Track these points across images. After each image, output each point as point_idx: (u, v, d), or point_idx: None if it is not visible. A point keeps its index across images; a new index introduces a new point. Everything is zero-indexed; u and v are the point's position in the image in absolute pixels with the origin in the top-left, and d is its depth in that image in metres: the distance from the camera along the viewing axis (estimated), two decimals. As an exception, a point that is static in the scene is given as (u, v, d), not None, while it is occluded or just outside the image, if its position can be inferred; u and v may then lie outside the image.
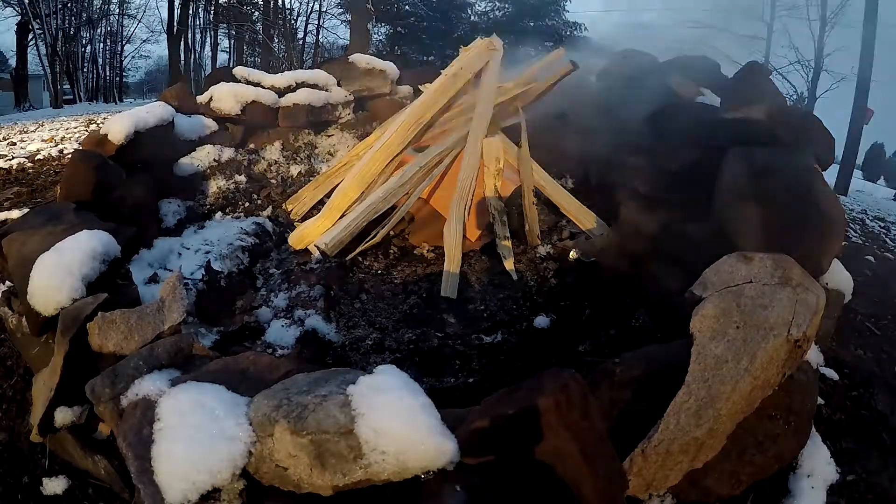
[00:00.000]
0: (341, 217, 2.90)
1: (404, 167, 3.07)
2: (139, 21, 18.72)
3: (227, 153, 3.51)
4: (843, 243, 3.53)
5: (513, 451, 1.30)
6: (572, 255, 2.66)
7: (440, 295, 2.47)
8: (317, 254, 2.67)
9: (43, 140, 5.09)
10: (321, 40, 18.70)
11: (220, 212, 3.14)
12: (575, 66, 3.49)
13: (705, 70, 3.14)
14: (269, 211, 3.21)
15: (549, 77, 3.65)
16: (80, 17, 16.79)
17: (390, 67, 4.40)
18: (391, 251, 2.91)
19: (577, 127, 3.41)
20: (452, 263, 2.53)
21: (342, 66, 4.30)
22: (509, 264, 2.57)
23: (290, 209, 3.20)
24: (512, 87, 3.53)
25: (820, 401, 1.86)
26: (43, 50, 15.01)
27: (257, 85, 3.82)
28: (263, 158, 3.69)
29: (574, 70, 3.54)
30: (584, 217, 2.98)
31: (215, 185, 3.34)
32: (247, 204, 3.26)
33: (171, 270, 2.47)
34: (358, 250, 2.77)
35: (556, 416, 1.29)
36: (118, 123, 2.70)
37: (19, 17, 15.28)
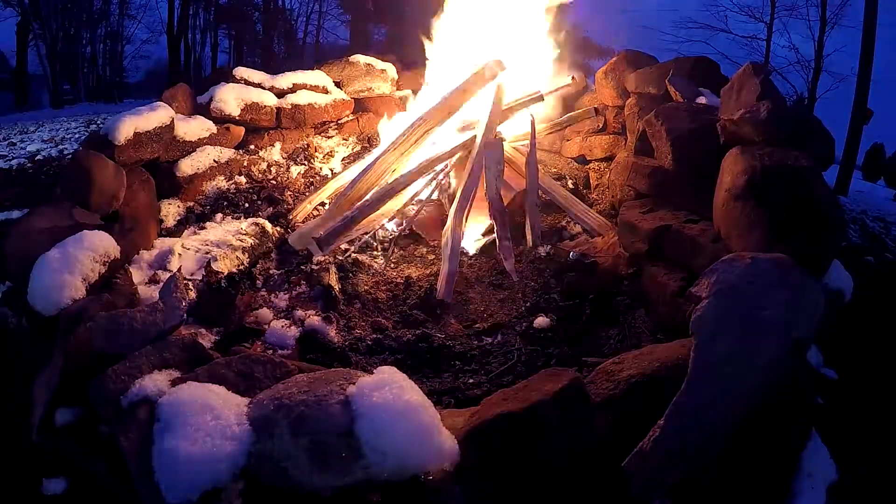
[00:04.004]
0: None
1: (405, 170, 3.10)
2: (139, 21, 18.69)
3: (228, 154, 3.51)
4: (843, 243, 3.53)
5: (513, 451, 1.30)
6: (572, 255, 2.66)
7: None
8: (318, 255, 2.67)
9: (43, 140, 5.10)
10: (321, 41, 18.70)
11: (220, 213, 3.14)
12: (574, 80, 3.78)
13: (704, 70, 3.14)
14: (269, 212, 3.21)
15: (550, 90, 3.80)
16: (81, 18, 16.77)
17: (390, 68, 4.41)
18: (391, 252, 2.91)
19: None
20: (448, 268, 2.53)
21: (342, 66, 4.31)
22: (509, 265, 2.57)
23: (294, 216, 3.18)
24: (518, 105, 3.60)
25: (820, 401, 1.86)
26: (43, 50, 15.00)
27: (257, 86, 3.83)
28: (264, 159, 3.69)
29: (575, 85, 3.73)
30: (584, 217, 2.99)
31: (215, 185, 3.35)
32: (247, 205, 3.26)
33: (171, 271, 2.47)
34: (355, 245, 2.79)
35: (556, 416, 1.30)
36: (118, 124, 2.70)
37: (19, 18, 15.28)
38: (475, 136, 3.17)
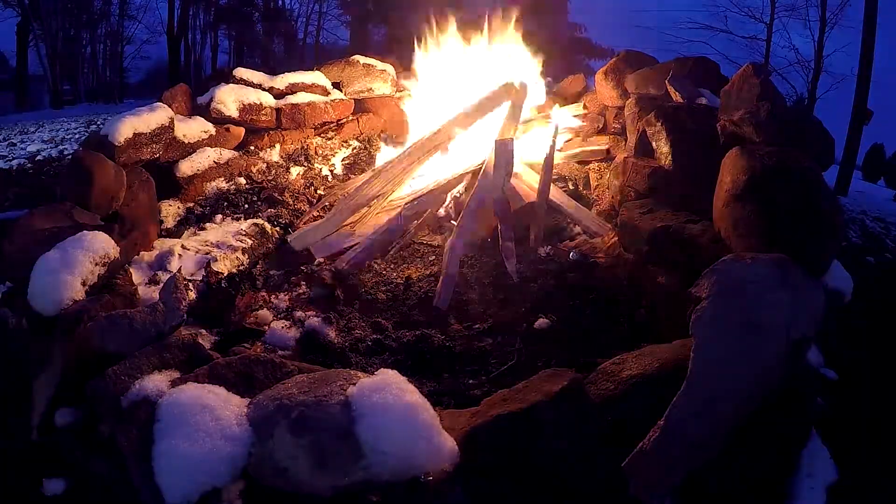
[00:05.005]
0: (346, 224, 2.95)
1: (412, 182, 3.12)
2: (139, 22, 18.70)
3: (227, 155, 3.51)
4: (843, 244, 3.54)
5: (512, 451, 1.30)
6: (573, 255, 2.66)
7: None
8: (318, 257, 2.68)
9: (43, 141, 5.11)
10: (321, 41, 18.71)
11: (220, 213, 3.14)
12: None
13: (704, 70, 3.14)
14: (269, 212, 3.21)
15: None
16: (81, 19, 16.78)
17: (390, 69, 4.41)
18: (390, 254, 2.91)
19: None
20: (447, 275, 2.53)
21: (342, 67, 4.31)
22: (511, 265, 2.57)
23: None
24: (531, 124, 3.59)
25: (820, 401, 1.86)
26: (43, 51, 15.01)
27: (257, 87, 3.83)
28: (263, 160, 3.69)
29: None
30: (584, 218, 2.99)
31: (215, 186, 3.35)
32: (247, 206, 3.26)
33: (171, 272, 2.48)
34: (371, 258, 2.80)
35: (556, 416, 1.30)
36: (118, 125, 2.70)
37: (19, 18, 15.29)
38: (485, 159, 3.18)
